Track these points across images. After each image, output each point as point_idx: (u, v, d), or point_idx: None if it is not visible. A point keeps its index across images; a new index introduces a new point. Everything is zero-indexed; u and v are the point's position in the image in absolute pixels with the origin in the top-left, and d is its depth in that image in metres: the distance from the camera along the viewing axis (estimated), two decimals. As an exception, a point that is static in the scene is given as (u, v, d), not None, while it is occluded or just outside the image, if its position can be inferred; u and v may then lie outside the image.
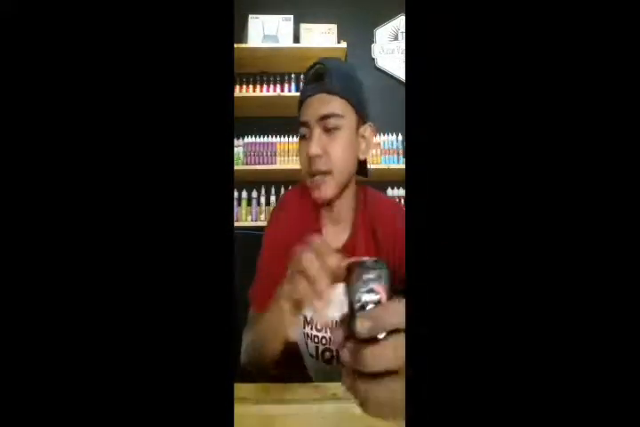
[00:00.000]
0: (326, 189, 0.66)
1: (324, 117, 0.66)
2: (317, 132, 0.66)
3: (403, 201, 1.82)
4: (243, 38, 2.09)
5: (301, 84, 0.70)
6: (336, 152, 0.66)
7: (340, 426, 0.46)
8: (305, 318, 0.71)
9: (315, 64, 0.70)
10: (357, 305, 0.29)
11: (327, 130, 0.66)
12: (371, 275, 0.29)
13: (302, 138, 0.69)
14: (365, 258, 0.31)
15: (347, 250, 0.69)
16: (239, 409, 0.48)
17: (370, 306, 0.29)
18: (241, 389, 0.51)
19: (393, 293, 0.30)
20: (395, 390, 0.27)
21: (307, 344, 0.72)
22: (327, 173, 0.65)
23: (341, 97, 0.67)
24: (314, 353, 0.71)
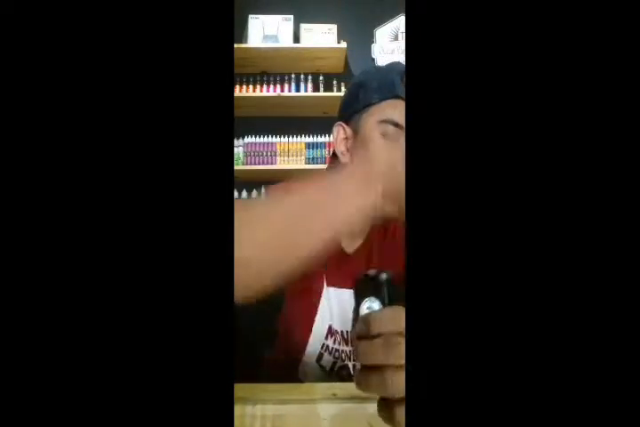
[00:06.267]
0: None
1: None
2: None
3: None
4: (243, 38, 2.09)
5: (397, 77, 0.61)
6: None
7: (339, 426, 0.46)
8: (329, 327, 0.67)
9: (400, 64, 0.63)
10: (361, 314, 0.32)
11: None
12: (371, 298, 0.32)
13: (388, 137, 0.60)
14: (371, 271, 0.33)
15: (359, 256, 0.68)
16: (239, 409, 0.48)
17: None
18: (241, 389, 0.51)
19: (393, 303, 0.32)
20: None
21: (320, 355, 0.68)
22: None
23: None
24: (328, 367, 0.68)
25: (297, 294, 0.68)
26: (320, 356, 0.68)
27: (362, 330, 0.29)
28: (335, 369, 0.68)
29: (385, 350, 0.28)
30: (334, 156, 0.67)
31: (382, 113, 0.60)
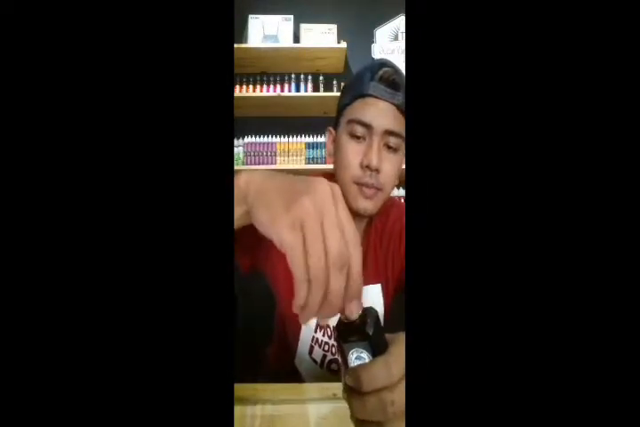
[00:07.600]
0: (373, 205, 0.63)
1: (390, 133, 0.61)
2: (379, 143, 0.61)
3: (402, 201, 1.82)
4: (243, 38, 2.09)
5: (367, 75, 0.62)
6: (390, 172, 0.63)
7: (339, 426, 0.46)
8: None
9: (384, 64, 0.63)
10: (350, 365, 0.31)
11: (387, 146, 0.62)
12: (358, 348, 0.30)
13: (355, 137, 0.62)
14: (352, 318, 0.29)
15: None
16: (239, 409, 0.48)
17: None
18: (241, 389, 0.51)
19: (381, 348, 0.30)
20: None
21: (312, 348, 0.70)
22: (378, 189, 0.62)
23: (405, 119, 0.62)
24: (318, 360, 0.69)
25: (289, 287, 0.69)
26: (311, 349, 0.69)
27: (354, 385, 0.29)
28: (325, 362, 0.69)
29: (380, 408, 0.28)
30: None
31: (351, 113, 0.63)
